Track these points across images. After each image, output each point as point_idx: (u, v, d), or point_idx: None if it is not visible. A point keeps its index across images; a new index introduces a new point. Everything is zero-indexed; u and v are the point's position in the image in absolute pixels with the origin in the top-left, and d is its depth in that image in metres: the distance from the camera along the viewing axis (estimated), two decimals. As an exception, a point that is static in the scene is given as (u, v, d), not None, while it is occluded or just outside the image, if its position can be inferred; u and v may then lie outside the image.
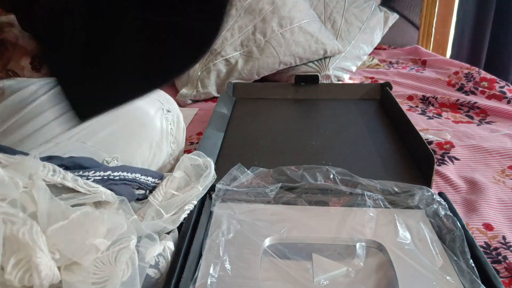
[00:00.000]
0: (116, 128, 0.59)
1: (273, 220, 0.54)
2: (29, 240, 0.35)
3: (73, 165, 0.48)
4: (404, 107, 1.08)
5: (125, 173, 0.53)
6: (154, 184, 0.58)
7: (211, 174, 0.58)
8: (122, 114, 0.61)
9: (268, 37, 1.21)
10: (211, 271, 0.46)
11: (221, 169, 0.62)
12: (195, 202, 0.55)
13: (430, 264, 0.47)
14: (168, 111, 0.70)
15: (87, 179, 0.48)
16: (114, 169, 0.52)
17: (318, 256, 0.49)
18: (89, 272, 0.39)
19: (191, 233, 0.51)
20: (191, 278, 0.45)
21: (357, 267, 0.48)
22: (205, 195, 0.58)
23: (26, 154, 0.47)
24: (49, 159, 0.45)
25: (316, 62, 1.25)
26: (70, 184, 0.45)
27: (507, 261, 0.55)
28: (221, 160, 0.72)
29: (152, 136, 0.64)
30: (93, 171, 0.49)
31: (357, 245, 0.50)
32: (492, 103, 1.05)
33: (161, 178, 0.59)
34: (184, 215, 0.53)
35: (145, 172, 0.56)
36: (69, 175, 0.44)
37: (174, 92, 1.24)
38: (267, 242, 0.51)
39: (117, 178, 0.52)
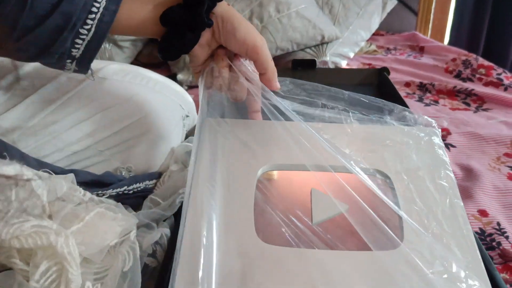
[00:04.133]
0: (134, 138, 0.59)
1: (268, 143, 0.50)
2: (67, 255, 0.35)
3: (92, 182, 0.51)
4: (401, 93, 1.07)
5: (137, 185, 0.55)
6: (153, 185, 0.59)
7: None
8: (142, 124, 0.60)
9: (265, 22, 1.19)
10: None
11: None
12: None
13: (434, 194, 0.44)
14: (187, 115, 0.69)
15: (103, 195, 0.50)
16: (129, 183, 0.54)
17: (318, 191, 0.45)
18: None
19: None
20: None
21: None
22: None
23: (49, 164, 0.49)
24: (74, 174, 0.45)
25: (313, 48, 1.24)
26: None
27: (501, 247, 0.55)
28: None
29: (169, 148, 0.63)
30: (111, 189, 0.51)
31: (359, 172, 0.43)
32: (489, 90, 1.05)
33: (160, 175, 0.59)
34: (180, 199, 0.53)
35: (150, 176, 0.58)
36: (88, 195, 0.44)
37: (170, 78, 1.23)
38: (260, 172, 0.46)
39: (131, 192, 0.54)
